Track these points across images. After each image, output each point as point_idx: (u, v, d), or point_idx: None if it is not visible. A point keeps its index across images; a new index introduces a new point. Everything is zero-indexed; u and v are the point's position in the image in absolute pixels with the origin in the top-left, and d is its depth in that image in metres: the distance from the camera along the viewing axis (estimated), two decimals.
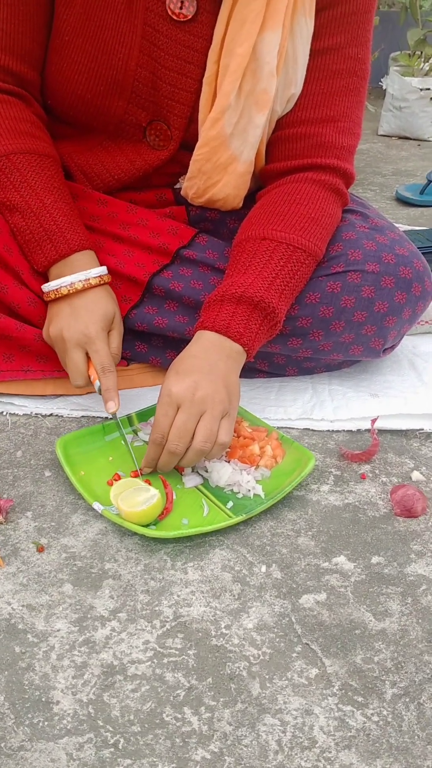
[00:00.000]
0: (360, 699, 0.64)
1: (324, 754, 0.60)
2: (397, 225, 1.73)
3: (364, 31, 0.98)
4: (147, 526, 0.81)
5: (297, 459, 0.91)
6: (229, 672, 0.66)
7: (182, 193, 1.04)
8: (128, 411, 0.99)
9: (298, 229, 0.95)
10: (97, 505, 0.83)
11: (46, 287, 0.96)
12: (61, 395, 1.05)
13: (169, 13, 0.93)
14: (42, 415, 1.02)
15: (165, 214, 1.07)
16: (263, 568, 0.78)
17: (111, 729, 0.61)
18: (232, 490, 0.88)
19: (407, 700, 0.64)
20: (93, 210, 1.04)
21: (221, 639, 0.70)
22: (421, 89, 2.64)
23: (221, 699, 0.64)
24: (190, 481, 0.89)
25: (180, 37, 0.94)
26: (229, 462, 0.90)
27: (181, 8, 0.93)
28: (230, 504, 0.85)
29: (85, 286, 0.94)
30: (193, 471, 0.90)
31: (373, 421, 0.97)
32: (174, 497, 0.86)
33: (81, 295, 0.94)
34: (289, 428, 1.01)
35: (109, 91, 0.97)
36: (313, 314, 0.99)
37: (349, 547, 0.81)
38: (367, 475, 0.93)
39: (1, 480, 0.89)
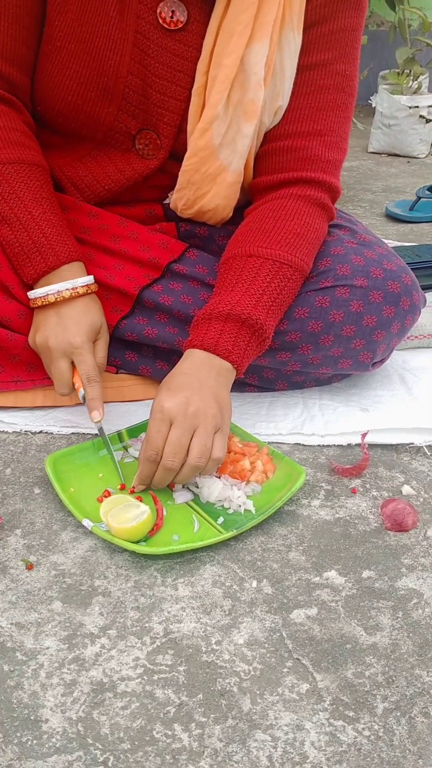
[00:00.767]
0: (351, 714, 0.64)
1: None
2: (387, 241, 1.75)
3: (351, 48, 1.00)
4: (137, 542, 0.81)
5: (288, 474, 0.91)
6: (219, 688, 0.66)
7: (171, 205, 1.05)
8: (118, 427, 0.99)
9: (284, 245, 0.96)
10: (86, 522, 0.83)
11: (33, 294, 0.96)
12: (50, 409, 1.04)
13: (160, 21, 0.94)
14: (31, 433, 1.02)
15: (155, 229, 1.08)
16: (254, 584, 0.77)
17: (101, 747, 0.61)
18: (222, 506, 0.88)
19: (398, 714, 0.64)
20: (84, 222, 1.05)
21: (212, 655, 0.69)
22: (409, 107, 2.68)
23: (212, 715, 0.64)
24: (181, 496, 0.89)
25: (170, 45, 0.95)
26: (219, 477, 0.90)
27: (172, 17, 0.94)
28: (221, 519, 0.85)
29: (73, 294, 0.94)
30: (183, 487, 0.90)
31: (364, 435, 0.97)
32: (164, 513, 0.86)
33: (68, 304, 0.95)
34: (280, 443, 1.01)
35: (99, 98, 0.97)
36: (302, 328, 0.99)
37: (339, 561, 0.81)
38: (357, 489, 0.93)
39: None
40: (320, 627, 0.72)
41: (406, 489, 0.92)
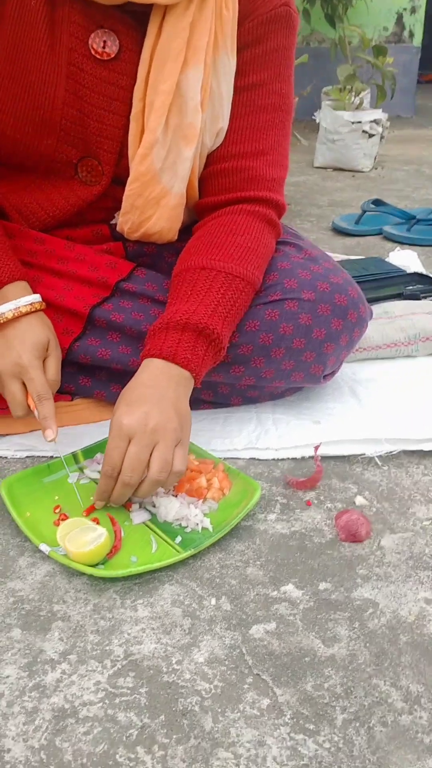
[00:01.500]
0: (311, 726, 0.65)
1: None
2: (334, 254, 1.78)
3: (285, 68, 1.02)
4: (95, 565, 0.80)
5: (243, 490, 0.92)
6: (181, 708, 0.66)
7: (117, 228, 1.06)
8: (73, 448, 0.99)
9: (236, 258, 0.97)
10: (44, 547, 0.82)
11: None
12: (4, 435, 1.04)
13: (92, 52, 0.95)
14: None
15: (103, 250, 1.08)
16: (213, 601, 0.78)
17: None
18: (180, 525, 0.88)
19: (357, 724, 0.65)
20: (30, 247, 1.05)
21: (173, 675, 0.70)
22: (352, 122, 2.73)
23: (174, 736, 0.64)
24: (138, 517, 0.89)
25: (104, 75, 0.96)
26: (176, 496, 0.91)
27: (104, 47, 0.95)
28: (179, 539, 0.85)
29: (16, 314, 0.94)
30: (140, 507, 0.90)
31: (316, 447, 0.99)
32: (122, 534, 0.86)
33: (12, 324, 0.94)
34: (236, 459, 1.02)
35: (37, 131, 0.98)
36: (253, 341, 1.01)
37: (296, 574, 0.82)
38: (312, 501, 0.94)
39: None
40: (279, 641, 0.73)
41: (359, 500, 0.94)
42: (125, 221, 1.04)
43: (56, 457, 0.96)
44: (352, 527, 0.87)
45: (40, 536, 0.84)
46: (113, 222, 1.09)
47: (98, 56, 0.95)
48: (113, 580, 0.80)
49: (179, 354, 0.89)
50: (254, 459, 1.03)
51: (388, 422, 1.08)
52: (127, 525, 0.88)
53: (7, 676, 0.69)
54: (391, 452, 1.03)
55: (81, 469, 0.97)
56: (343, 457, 1.03)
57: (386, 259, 1.72)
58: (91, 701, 0.67)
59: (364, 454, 1.03)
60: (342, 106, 2.77)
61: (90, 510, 0.89)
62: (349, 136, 2.75)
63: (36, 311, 0.96)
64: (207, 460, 0.97)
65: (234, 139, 1.02)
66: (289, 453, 1.03)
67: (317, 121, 2.85)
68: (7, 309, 0.94)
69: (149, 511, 0.90)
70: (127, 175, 1.00)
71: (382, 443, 1.04)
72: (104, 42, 0.95)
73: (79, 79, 0.96)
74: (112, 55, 0.96)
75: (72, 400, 1.08)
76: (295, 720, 0.66)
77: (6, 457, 1.01)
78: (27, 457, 1.01)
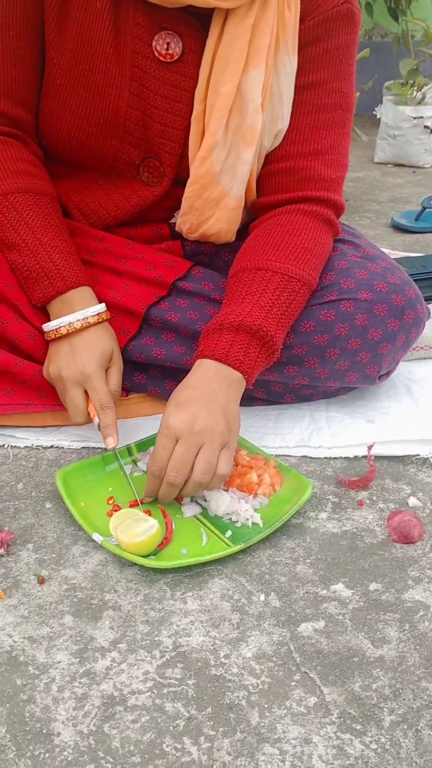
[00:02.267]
0: (358, 727, 0.65)
1: None
2: (392, 252, 1.76)
3: (347, 65, 1.01)
4: (146, 556, 0.82)
5: (295, 487, 0.92)
6: (228, 701, 0.67)
7: (177, 228, 1.07)
8: (127, 441, 1.00)
9: (293, 259, 0.97)
10: (96, 536, 0.84)
11: (47, 327, 0.97)
12: (61, 426, 1.06)
13: (156, 54, 0.96)
14: (43, 447, 1.03)
15: (161, 249, 1.09)
16: (262, 597, 0.78)
17: (111, 760, 0.62)
18: (230, 519, 0.89)
19: (405, 727, 0.65)
20: (90, 245, 1.06)
21: (220, 668, 0.70)
22: (414, 117, 2.69)
23: (220, 729, 0.65)
24: (189, 510, 0.90)
25: (167, 77, 0.97)
26: (227, 491, 0.91)
27: (167, 49, 0.96)
28: (229, 533, 0.86)
29: (84, 325, 0.96)
30: (192, 500, 0.91)
31: (370, 447, 0.98)
32: (173, 527, 0.87)
33: (79, 334, 0.96)
34: (287, 456, 1.02)
35: (101, 132, 0.99)
36: (308, 342, 1.00)
37: (347, 574, 0.82)
38: (364, 501, 0.93)
39: (2, 512, 0.90)
40: (327, 640, 0.73)
41: (413, 501, 0.93)
42: (184, 222, 1.04)
43: (111, 449, 0.98)
44: (404, 528, 0.86)
45: (93, 526, 0.86)
46: (173, 221, 1.10)
47: (161, 58, 0.96)
48: (163, 571, 0.81)
49: (231, 355, 0.90)
50: (306, 457, 1.03)
51: None
52: (178, 518, 0.89)
53: (59, 662, 0.70)
54: None
55: (134, 462, 0.98)
56: (397, 457, 1.02)
57: None
58: (140, 690, 0.68)
59: (419, 455, 1.02)
60: (404, 101, 2.73)
61: (134, 503, 0.90)
62: (410, 132, 2.71)
63: (102, 321, 0.98)
64: (258, 456, 0.97)
65: (292, 139, 1.02)
66: (341, 452, 1.03)
67: (378, 116, 2.82)
68: (76, 319, 0.95)
69: (200, 505, 0.91)
70: (188, 176, 1.01)
71: None
72: (167, 44, 0.95)
73: (143, 81, 0.97)
74: (176, 57, 0.96)
75: (127, 396, 1.09)
76: (342, 719, 0.65)
77: (63, 447, 1.03)
78: (83, 448, 1.03)
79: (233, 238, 1.07)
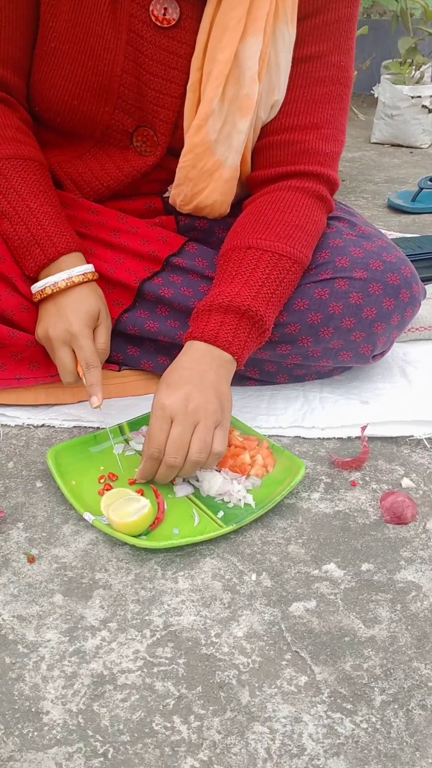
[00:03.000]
0: (349, 706, 0.65)
1: (313, 762, 0.60)
2: (388, 232, 1.74)
3: (346, 39, 0.99)
4: (138, 536, 0.81)
5: (287, 467, 0.91)
6: (218, 680, 0.67)
7: (170, 200, 1.05)
8: (119, 420, 0.99)
9: (283, 237, 0.96)
10: (88, 516, 0.83)
11: (34, 288, 0.98)
12: (53, 405, 1.05)
13: (153, 19, 0.94)
14: (34, 426, 1.02)
15: (155, 224, 1.08)
16: (253, 577, 0.78)
17: (100, 739, 0.62)
18: (223, 500, 0.88)
19: (396, 706, 0.65)
20: (84, 217, 1.05)
21: (211, 648, 0.70)
22: (412, 97, 2.66)
23: (211, 707, 0.64)
24: (181, 490, 0.89)
25: (164, 43, 0.95)
26: (220, 471, 0.91)
27: (164, 14, 0.94)
28: (221, 513, 0.85)
29: (68, 284, 0.95)
30: (184, 480, 0.91)
31: (363, 428, 0.97)
32: (165, 507, 0.86)
33: (65, 293, 0.96)
34: (280, 436, 1.02)
35: (95, 98, 0.98)
36: (301, 321, 0.99)
37: (339, 554, 0.81)
38: (357, 482, 0.93)
39: None
40: (319, 620, 0.73)
41: (406, 482, 0.93)
42: (178, 193, 1.03)
43: (103, 428, 0.97)
44: (397, 509, 0.86)
45: (85, 505, 0.85)
46: (166, 195, 1.09)
47: (158, 23, 0.94)
48: (155, 551, 0.81)
49: (221, 337, 0.89)
50: (299, 437, 1.02)
51: None
52: (170, 498, 0.88)
53: (48, 640, 0.70)
54: None
55: (126, 441, 0.98)
56: (391, 438, 1.01)
57: None
58: (130, 669, 0.68)
59: (413, 436, 1.01)
60: (402, 80, 2.70)
61: (134, 481, 0.90)
62: (408, 111, 2.68)
63: (88, 281, 0.97)
64: (251, 436, 0.96)
65: (288, 112, 1.00)
66: (335, 432, 1.02)
67: (376, 95, 2.78)
68: (60, 279, 0.95)
69: (192, 485, 0.90)
70: (182, 147, 0.99)
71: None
72: (165, 9, 0.94)
73: (139, 46, 0.95)
74: (173, 23, 0.94)
75: (119, 370, 1.08)
76: (332, 699, 0.65)
77: (54, 426, 1.02)
78: (74, 427, 1.02)
79: (227, 212, 1.06)
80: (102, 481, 0.90)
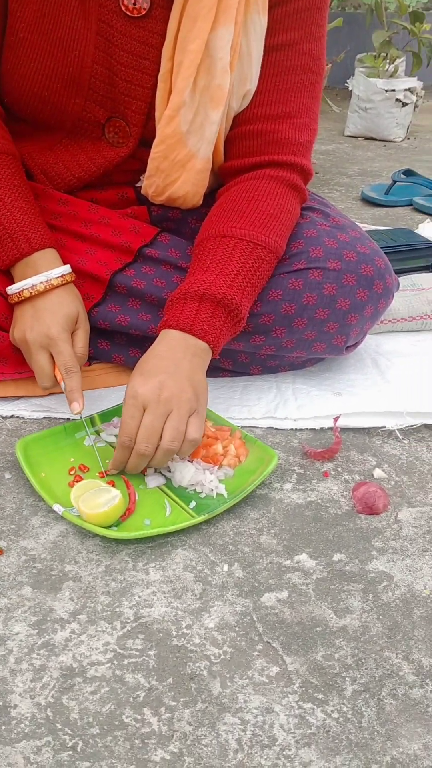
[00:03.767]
0: (320, 696, 0.64)
1: (284, 752, 0.60)
2: (362, 225, 1.74)
3: (317, 27, 0.99)
4: (109, 527, 0.80)
5: (260, 458, 0.91)
6: (189, 672, 0.66)
7: (142, 191, 1.04)
8: (90, 412, 0.98)
9: (258, 225, 0.95)
10: (57, 507, 0.82)
11: (10, 290, 0.95)
12: (23, 396, 1.03)
13: (123, 9, 0.93)
14: (2, 417, 1.01)
15: (127, 214, 1.07)
16: (225, 567, 0.77)
17: (69, 732, 0.61)
18: (194, 490, 0.87)
19: (367, 696, 0.65)
20: (54, 208, 1.03)
21: (182, 639, 0.69)
22: (386, 90, 2.67)
23: (181, 699, 0.64)
24: (153, 481, 0.88)
25: (134, 33, 0.94)
26: (192, 462, 0.90)
27: (135, 4, 0.92)
28: (193, 504, 0.85)
29: (47, 287, 0.93)
30: (156, 471, 0.90)
31: (336, 419, 0.97)
32: (136, 498, 0.86)
33: (43, 296, 0.94)
34: (253, 427, 1.01)
35: (65, 89, 0.96)
36: (275, 311, 0.99)
37: (311, 544, 0.81)
38: (329, 473, 0.93)
39: None
40: (290, 610, 0.73)
41: (378, 472, 0.93)
42: (150, 184, 1.02)
43: (73, 419, 0.96)
44: (369, 499, 0.86)
45: (54, 497, 0.84)
46: (138, 185, 1.07)
47: (129, 13, 0.93)
48: (126, 542, 0.80)
49: (196, 325, 0.88)
50: (272, 428, 1.02)
51: (410, 395, 1.06)
52: (141, 488, 0.87)
53: (17, 633, 0.69)
54: (412, 426, 1.01)
55: (97, 432, 0.96)
56: (363, 429, 1.01)
57: (415, 231, 1.69)
58: (100, 661, 0.67)
59: (385, 427, 1.01)
60: (376, 73, 2.70)
61: (104, 474, 0.89)
62: (382, 105, 2.69)
63: (67, 283, 0.95)
64: (224, 427, 0.96)
65: (260, 101, 0.99)
66: (307, 423, 1.02)
67: (350, 88, 2.79)
68: (39, 281, 0.93)
69: (164, 476, 0.89)
70: (154, 137, 0.98)
71: (404, 416, 1.02)
72: None
73: (109, 37, 0.93)
74: (143, 12, 0.93)
75: (90, 365, 1.07)
76: (303, 689, 0.65)
77: (23, 418, 1.01)
78: (44, 418, 1.01)
79: (200, 203, 1.05)
80: (72, 472, 0.89)
